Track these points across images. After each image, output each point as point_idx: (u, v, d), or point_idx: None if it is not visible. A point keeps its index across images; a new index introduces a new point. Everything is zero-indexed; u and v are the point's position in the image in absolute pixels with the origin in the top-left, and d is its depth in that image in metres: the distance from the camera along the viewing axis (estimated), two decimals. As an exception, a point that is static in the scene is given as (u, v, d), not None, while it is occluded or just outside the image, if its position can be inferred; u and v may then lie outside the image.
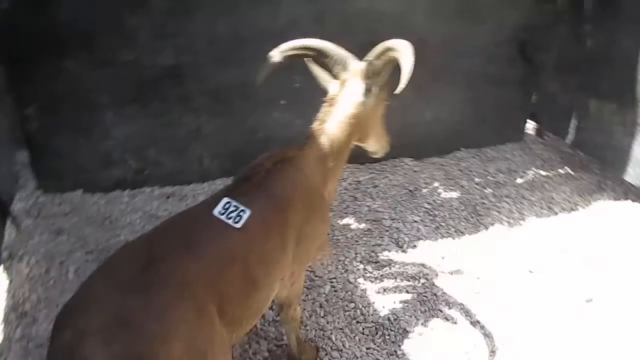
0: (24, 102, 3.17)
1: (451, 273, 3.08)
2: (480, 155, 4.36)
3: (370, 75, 2.20)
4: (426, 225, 3.47)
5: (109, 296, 1.43)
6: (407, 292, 2.92)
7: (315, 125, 2.21)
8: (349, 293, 2.86)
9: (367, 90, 2.22)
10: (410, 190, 3.81)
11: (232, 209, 1.78)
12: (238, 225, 1.75)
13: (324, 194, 2.22)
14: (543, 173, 4.17)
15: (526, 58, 4.23)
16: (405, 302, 2.86)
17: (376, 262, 3.12)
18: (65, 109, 3.25)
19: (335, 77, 2.29)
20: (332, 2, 3.47)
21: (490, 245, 3.33)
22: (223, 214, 1.77)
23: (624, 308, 2.84)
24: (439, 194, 3.81)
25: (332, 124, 2.20)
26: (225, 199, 1.80)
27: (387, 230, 3.39)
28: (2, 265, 2.79)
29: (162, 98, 3.41)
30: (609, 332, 2.69)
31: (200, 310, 1.53)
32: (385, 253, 3.20)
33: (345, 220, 3.47)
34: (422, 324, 2.72)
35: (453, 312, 2.80)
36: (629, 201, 3.79)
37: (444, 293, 2.93)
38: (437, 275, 3.06)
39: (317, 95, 3.73)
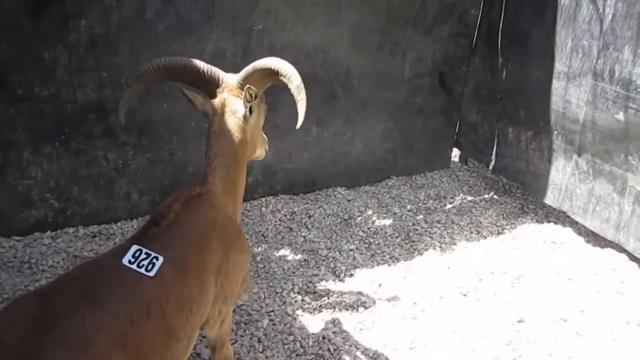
0: None
1: (388, 300, 3.09)
2: (411, 182, 4.48)
3: (250, 98, 2.10)
4: (362, 254, 3.49)
5: None
6: (346, 321, 2.90)
7: (210, 156, 2.09)
8: (288, 326, 2.80)
9: (249, 111, 2.14)
10: (345, 219, 3.84)
11: (143, 256, 1.64)
12: (151, 274, 1.61)
13: (237, 221, 2.15)
14: (470, 198, 4.33)
15: (447, 89, 4.45)
16: (344, 332, 2.83)
17: (314, 293, 3.08)
18: (-24, 147, 3.05)
19: (210, 95, 2.15)
20: (259, 35, 3.51)
21: (424, 271, 3.39)
22: (133, 262, 1.61)
23: (552, 326, 2.95)
24: (373, 221, 3.86)
25: (225, 152, 2.09)
26: (135, 247, 1.65)
27: (323, 260, 3.38)
28: None
29: (84, 134, 3.27)
30: (541, 350, 2.78)
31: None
32: (323, 283, 3.17)
33: (282, 252, 3.42)
34: (362, 353, 2.69)
35: (392, 339, 2.80)
36: (551, 223, 3.99)
37: (381, 318, 2.93)
38: (374, 303, 3.06)
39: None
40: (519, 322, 2.97)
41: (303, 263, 3.34)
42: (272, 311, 2.89)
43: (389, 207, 4.07)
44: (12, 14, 2.88)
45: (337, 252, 3.45)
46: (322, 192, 4.15)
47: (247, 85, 2.08)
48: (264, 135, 2.43)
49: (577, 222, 3.81)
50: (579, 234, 3.82)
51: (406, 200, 4.20)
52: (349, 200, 4.08)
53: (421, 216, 4.00)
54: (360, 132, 4.20)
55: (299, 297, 3.03)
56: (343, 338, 2.78)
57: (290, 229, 3.67)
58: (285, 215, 3.80)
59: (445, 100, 4.50)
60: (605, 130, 3.46)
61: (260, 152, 2.41)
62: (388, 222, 3.88)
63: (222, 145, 2.09)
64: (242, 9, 3.41)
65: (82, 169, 3.33)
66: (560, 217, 4.02)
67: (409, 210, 4.05)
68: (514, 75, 4.18)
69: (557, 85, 3.79)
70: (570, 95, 3.70)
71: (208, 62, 3.17)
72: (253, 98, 2.10)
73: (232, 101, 2.13)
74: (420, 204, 4.16)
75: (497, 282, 3.30)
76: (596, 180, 3.58)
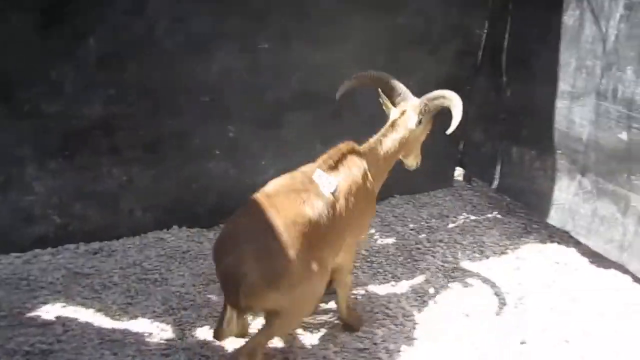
0: None
1: (390, 320, 3.07)
2: (414, 201, 4.48)
3: (423, 112, 2.87)
4: (364, 272, 3.47)
5: (254, 232, 2.27)
6: (347, 341, 2.87)
7: (376, 137, 2.87)
8: (288, 345, 2.77)
9: (419, 122, 2.89)
10: (347, 238, 3.82)
11: (324, 178, 2.49)
12: (331, 190, 2.48)
13: (375, 188, 2.86)
14: (473, 218, 4.32)
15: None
16: (345, 352, 2.80)
17: (314, 313, 3.06)
18: (-21, 163, 3.07)
19: (394, 105, 2.95)
20: (265, 53, 3.54)
21: (426, 290, 3.36)
22: (318, 180, 2.48)
23: (555, 348, 2.92)
24: (376, 240, 3.85)
25: (388, 140, 2.88)
26: (319, 170, 2.53)
27: (325, 279, 3.36)
28: None
29: (90, 150, 3.29)
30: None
31: (314, 244, 2.34)
32: (326, 302, 3.15)
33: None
34: (362, 374, 2.67)
35: (392, 354, 2.78)
36: (555, 243, 3.96)
37: (384, 341, 2.90)
38: (376, 323, 3.04)
39: (251, 145, 3.77)
40: (521, 343, 2.94)
41: (304, 281, 3.32)
42: (272, 330, 2.86)
43: (392, 225, 4.06)
44: (21, 29, 2.92)
45: (339, 271, 3.44)
46: (324, 210, 4.15)
47: (425, 102, 2.86)
48: (420, 152, 3.17)
49: (580, 243, 3.78)
50: (583, 254, 3.79)
51: (409, 219, 4.18)
52: (352, 218, 4.07)
53: (424, 235, 3.98)
54: (363, 150, 4.21)
55: (300, 316, 3.01)
56: (343, 358, 2.76)
57: (292, 246, 3.65)
58: (288, 233, 3.79)
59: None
60: (608, 150, 3.45)
61: (411, 162, 3.17)
62: (391, 240, 3.87)
63: (389, 135, 2.88)
64: (250, 27, 3.45)
65: (86, 185, 3.34)
66: (564, 238, 4.00)
67: (411, 229, 4.04)
68: (517, 95, 4.19)
69: (560, 105, 3.80)
70: (574, 114, 3.70)
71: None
72: (424, 112, 2.88)
73: (410, 113, 2.91)
74: (423, 223, 4.15)
75: (499, 302, 3.27)
76: (600, 200, 3.56)
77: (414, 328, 3.02)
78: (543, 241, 4.01)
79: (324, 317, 3.03)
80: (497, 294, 3.35)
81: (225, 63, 3.46)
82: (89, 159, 3.30)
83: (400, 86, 2.96)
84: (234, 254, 2.22)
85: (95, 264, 3.23)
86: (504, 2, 4.23)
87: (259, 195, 2.44)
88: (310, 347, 2.81)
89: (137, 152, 3.42)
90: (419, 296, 3.30)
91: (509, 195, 4.52)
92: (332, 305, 3.13)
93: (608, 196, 3.50)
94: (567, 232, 3.87)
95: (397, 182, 4.45)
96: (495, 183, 4.47)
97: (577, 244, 3.85)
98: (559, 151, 3.86)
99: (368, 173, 2.76)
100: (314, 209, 2.40)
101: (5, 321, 2.73)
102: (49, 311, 2.81)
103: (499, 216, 4.37)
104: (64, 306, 2.85)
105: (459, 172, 4.96)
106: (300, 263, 2.25)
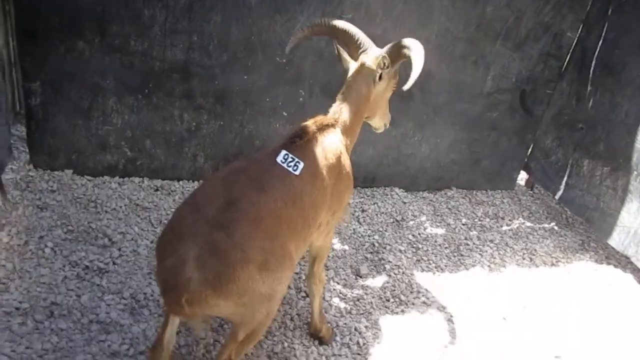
0: (30, 76, 3.18)
1: (426, 307, 3.07)
2: (470, 197, 4.40)
3: (382, 66, 2.48)
4: (408, 257, 3.47)
5: (199, 229, 1.85)
6: (380, 318, 2.90)
7: (338, 102, 2.51)
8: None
9: (380, 77, 2.51)
10: (397, 220, 3.82)
11: (290, 159, 2.16)
12: (296, 173, 2.14)
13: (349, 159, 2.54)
14: (528, 224, 4.20)
15: (526, 109, 4.32)
16: (376, 328, 2.84)
17: (353, 285, 3.10)
18: (69, 88, 3.27)
19: (354, 58, 2.56)
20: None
21: (467, 286, 3.33)
22: (284, 162, 2.14)
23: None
24: (425, 228, 3.83)
25: (351, 102, 2.50)
26: (284, 151, 2.17)
27: (368, 256, 3.39)
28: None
29: (166, 92, 3.43)
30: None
31: (272, 237, 1.96)
32: (364, 278, 3.18)
33: (329, 240, 3.46)
34: (388, 351, 2.69)
35: (423, 343, 2.79)
36: (611, 266, 3.81)
37: (417, 326, 2.91)
38: (411, 307, 3.05)
39: (320, 112, 3.78)
40: (556, 357, 2.87)
41: (347, 255, 3.36)
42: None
43: (444, 217, 4.01)
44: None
45: (384, 251, 3.45)
46: (379, 190, 4.16)
47: (383, 54, 2.47)
48: (388, 112, 2.80)
49: (639, 270, 3.61)
50: (640, 282, 3.63)
51: (462, 214, 4.12)
52: (405, 203, 4.06)
53: (475, 232, 3.92)
54: (429, 137, 4.16)
55: (338, 287, 3.06)
56: (374, 334, 2.79)
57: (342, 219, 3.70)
58: (339, 205, 3.83)
59: (522, 120, 4.37)
60: (689, 180, 3.25)
61: (378, 123, 2.80)
62: (440, 231, 3.83)
63: (350, 96, 2.50)
64: (335, -5, 3.46)
65: (158, 125, 3.50)
66: (622, 261, 3.83)
67: (463, 224, 3.99)
68: (600, 106, 3.99)
69: (646, 123, 3.60)
70: (658, 136, 3.50)
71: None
72: (384, 66, 2.48)
73: (369, 67, 2.51)
74: (476, 220, 4.08)
75: (541, 313, 3.19)
76: (669, 230, 3.38)
77: (449, 320, 3.01)
78: (599, 261, 3.85)
79: (360, 292, 3.07)
80: (539, 305, 3.27)
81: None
82: (163, 100, 3.44)
83: (361, 36, 2.55)
84: (175, 254, 1.82)
85: (155, 200, 3.40)
86: (603, 8, 4.01)
87: (212, 181, 2.09)
88: (342, 316, 2.86)
89: (209, 101, 3.54)
90: (459, 291, 3.27)
91: (570, 209, 4.35)
92: (372, 283, 3.17)
93: (679, 226, 3.31)
94: (626, 257, 3.70)
95: (456, 175, 4.41)
96: (559, 194, 4.31)
97: (635, 270, 3.68)
98: (635, 172, 3.67)
99: (344, 147, 2.45)
100: (276, 196, 2.04)
101: (72, 235, 2.95)
102: (109, 234, 3.00)
103: (556, 227, 4.22)
104: (122, 232, 3.03)
105: (522, 177, 4.82)
106: (256, 264, 1.87)
